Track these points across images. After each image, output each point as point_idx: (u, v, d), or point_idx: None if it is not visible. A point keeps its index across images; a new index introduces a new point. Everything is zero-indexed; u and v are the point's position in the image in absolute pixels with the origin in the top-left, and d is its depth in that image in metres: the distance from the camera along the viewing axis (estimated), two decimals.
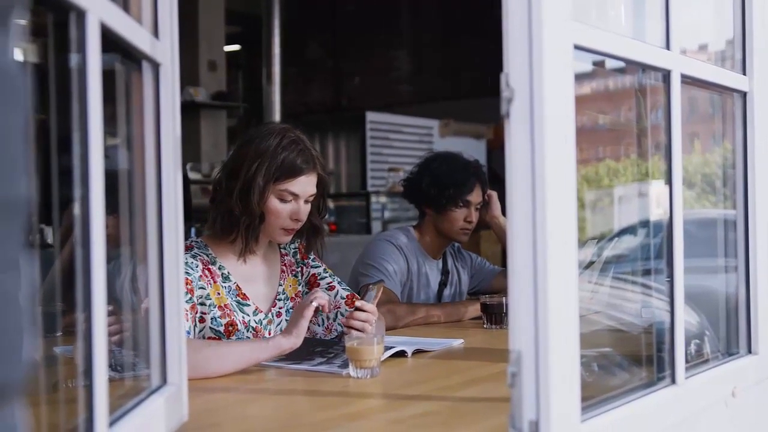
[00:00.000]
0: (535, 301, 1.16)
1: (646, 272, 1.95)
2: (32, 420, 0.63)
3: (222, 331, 2.15)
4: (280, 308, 2.32)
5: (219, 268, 2.22)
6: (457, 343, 2.35)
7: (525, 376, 1.17)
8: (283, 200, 2.18)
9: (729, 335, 1.87)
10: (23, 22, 0.63)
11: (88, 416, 1.01)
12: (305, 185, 2.20)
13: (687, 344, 1.62)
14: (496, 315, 2.65)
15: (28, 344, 0.61)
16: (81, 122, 1.01)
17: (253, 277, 2.28)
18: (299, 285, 2.38)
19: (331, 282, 2.39)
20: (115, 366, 1.40)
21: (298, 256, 2.41)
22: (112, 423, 1.09)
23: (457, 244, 3.20)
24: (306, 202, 2.22)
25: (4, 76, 0.58)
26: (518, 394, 1.17)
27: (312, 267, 2.41)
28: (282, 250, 2.39)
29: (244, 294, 2.23)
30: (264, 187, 2.15)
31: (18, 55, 0.61)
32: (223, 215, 2.19)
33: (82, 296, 1.00)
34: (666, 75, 1.51)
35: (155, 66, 1.35)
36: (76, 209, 1.00)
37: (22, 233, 0.61)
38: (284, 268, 2.37)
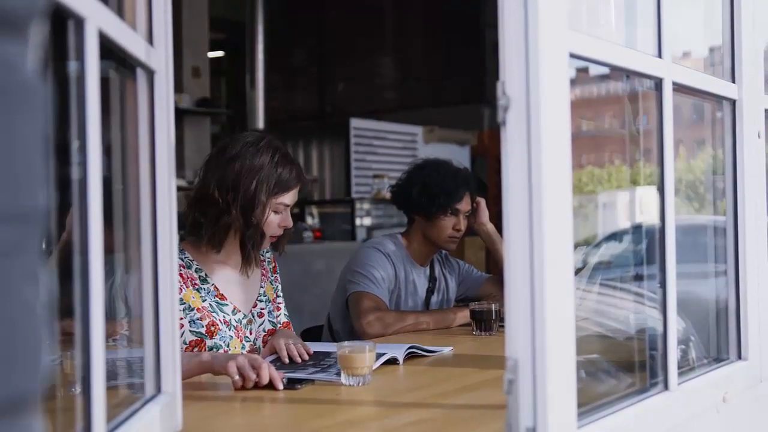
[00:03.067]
0: (532, 308, 1.16)
1: (634, 278, 1.96)
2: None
3: (204, 332, 2.20)
4: (262, 309, 2.39)
5: (196, 271, 2.27)
6: (447, 350, 2.35)
7: (522, 383, 1.17)
8: (276, 212, 2.28)
9: (719, 341, 1.88)
10: (41, 32, 0.63)
11: (86, 425, 1.00)
12: (295, 195, 2.32)
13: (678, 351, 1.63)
14: (485, 322, 2.65)
15: (46, 355, 0.61)
16: (79, 129, 1.00)
17: (233, 279, 2.33)
18: (274, 292, 2.47)
19: (280, 304, 2.50)
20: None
21: (271, 266, 2.50)
22: None
23: (444, 251, 3.20)
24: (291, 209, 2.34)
25: (23, 88, 0.58)
26: (515, 401, 1.17)
27: (278, 282, 2.52)
28: (260, 256, 2.45)
29: (222, 294, 2.28)
30: (266, 203, 2.24)
31: (36, 65, 0.61)
32: (223, 229, 2.24)
33: (80, 305, 1.00)
34: (658, 83, 1.52)
35: (150, 73, 1.34)
36: (75, 217, 1.00)
37: (40, 244, 0.61)
38: (264, 272, 2.45)
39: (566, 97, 1.22)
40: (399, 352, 2.15)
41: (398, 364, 2.12)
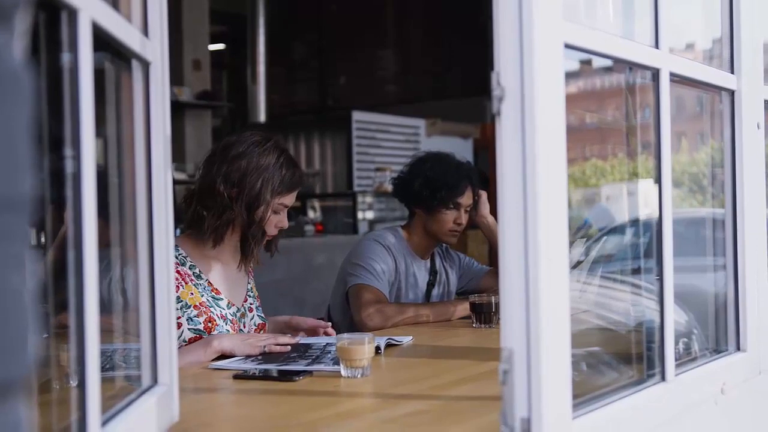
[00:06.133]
0: (527, 298, 1.16)
1: (635, 271, 1.96)
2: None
3: (202, 329, 2.23)
4: (251, 304, 2.43)
5: (190, 268, 2.29)
6: (407, 340, 2.37)
7: (517, 374, 1.17)
8: (275, 212, 2.31)
9: (718, 333, 1.88)
10: (26, 21, 0.64)
11: (81, 416, 1.01)
12: (294, 197, 2.36)
13: (675, 343, 1.63)
14: (485, 314, 2.65)
15: (33, 341, 0.61)
16: (73, 122, 1.00)
17: (224, 274, 2.37)
18: (256, 289, 2.51)
19: (257, 303, 2.50)
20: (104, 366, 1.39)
21: (252, 266, 2.52)
22: (104, 423, 1.08)
23: (445, 244, 3.20)
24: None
25: (8, 76, 0.59)
26: (510, 391, 1.17)
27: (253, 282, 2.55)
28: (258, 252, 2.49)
29: (217, 289, 2.32)
30: (270, 202, 2.27)
31: (21, 54, 0.61)
32: (225, 224, 2.26)
33: (74, 297, 1.00)
34: (655, 73, 1.52)
35: (145, 65, 1.34)
36: (68, 210, 1.00)
37: (26, 231, 0.61)
38: (250, 270, 2.49)
39: (561, 88, 1.22)
40: (381, 340, 2.19)
41: (380, 353, 2.14)
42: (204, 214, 2.26)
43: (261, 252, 2.48)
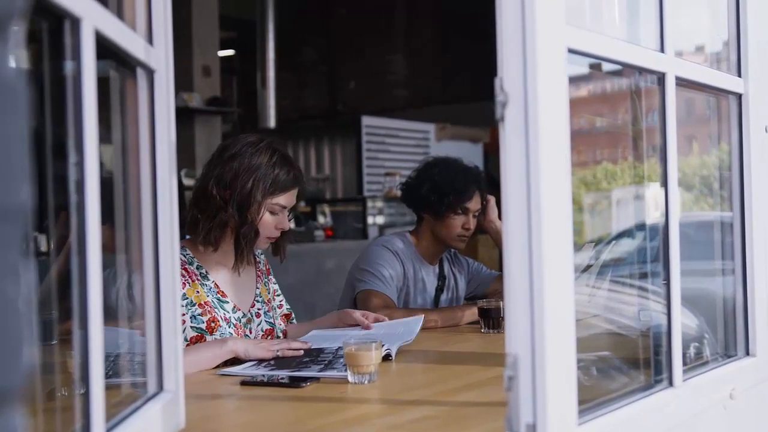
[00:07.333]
0: (532, 304, 1.16)
1: (644, 275, 1.95)
2: (30, 427, 0.64)
3: (204, 328, 2.23)
4: (259, 309, 2.42)
5: (197, 268, 2.30)
6: (418, 325, 2.39)
7: (522, 380, 1.16)
8: (272, 213, 2.30)
9: (727, 337, 1.87)
10: (21, 30, 0.64)
11: (85, 423, 1.01)
12: (292, 198, 2.34)
13: (686, 347, 1.62)
14: (493, 319, 2.64)
15: (28, 350, 0.62)
16: (76, 129, 1.01)
17: (231, 279, 2.36)
18: (268, 293, 2.49)
19: (282, 301, 2.56)
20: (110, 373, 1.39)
21: (265, 268, 2.53)
22: (108, 430, 1.09)
23: (453, 249, 3.20)
24: (288, 212, 2.36)
25: (4, 87, 0.59)
26: (515, 397, 1.17)
27: (273, 283, 2.56)
28: (255, 257, 2.49)
29: (223, 292, 2.32)
30: (261, 202, 2.26)
31: (17, 63, 0.62)
32: (219, 226, 2.26)
33: (78, 304, 1.00)
34: (661, 78, 1.51)
35: (150, 72, 1.35)
36: (72, 217, 1.00)
37: (22, 240, 0.62)
38: (259, 273, 2.48)
39: (565, 93, 1.21)
40: (393, 346, 2.17)
41: (391, 359, 2.13)
42: (199, 217, 2.26)
43: (270, 257, 2.48)
